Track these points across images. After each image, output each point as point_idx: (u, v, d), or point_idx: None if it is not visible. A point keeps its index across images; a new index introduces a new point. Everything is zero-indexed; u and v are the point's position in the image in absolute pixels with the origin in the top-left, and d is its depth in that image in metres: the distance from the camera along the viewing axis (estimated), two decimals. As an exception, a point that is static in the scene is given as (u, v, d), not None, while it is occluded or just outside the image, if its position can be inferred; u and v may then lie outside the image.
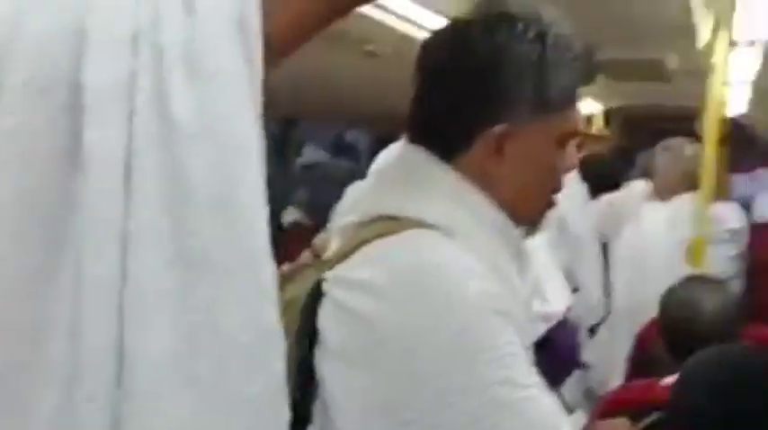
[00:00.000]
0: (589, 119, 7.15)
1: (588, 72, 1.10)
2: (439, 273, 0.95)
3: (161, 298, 0.63)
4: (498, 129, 1.03)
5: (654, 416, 1.78)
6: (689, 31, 3.15)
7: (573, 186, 2.84)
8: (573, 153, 1.13)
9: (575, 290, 2.30)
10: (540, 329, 1.87)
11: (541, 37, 1.03)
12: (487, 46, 1.03)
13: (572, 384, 2.90)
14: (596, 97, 6.60)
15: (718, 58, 3.15)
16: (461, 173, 1.04)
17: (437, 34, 1.10)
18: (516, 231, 1.09)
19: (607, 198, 4.08)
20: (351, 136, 7.28)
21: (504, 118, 1.03)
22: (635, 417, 1.79)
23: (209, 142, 0.64)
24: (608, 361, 3.38)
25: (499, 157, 1.04)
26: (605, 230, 3.55)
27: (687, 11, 2.77)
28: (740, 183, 9.60)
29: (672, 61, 4.37)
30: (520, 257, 1.09)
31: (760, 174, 10.37)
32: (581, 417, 1.77)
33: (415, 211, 1.01)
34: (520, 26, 1.03)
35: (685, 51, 3.75)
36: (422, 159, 1.06)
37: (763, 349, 1.77)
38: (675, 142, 3.82)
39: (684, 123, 4.17)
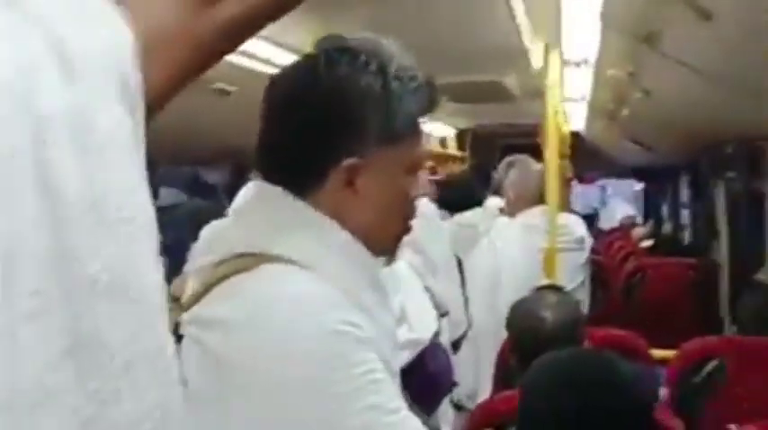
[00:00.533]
0: (443, 141, 7.36)
1: (431, 99, 1.12)
2: (297, 305, 0.96)
3: (53, 394, 0.57)
4: (348, 162, 1.04)
5: (514, 426, 1.86)
6: (524, 52, 3.31)
7: (424, 208, 2.92)
8: (424, 179, 1.16)
9: (445, 313, 2.35)
10: (406, 356, 1.89)
11: (384, 68, 1.05)
12: (331, 80, 1.04)
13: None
14: (447, 120, 6.80)
15: (551, 77, 3.32)
16: (316, 207, 1.05)
17: (282, 71, 1.11)
18: (374, 261, 1.10)
19: (457, 218, 4.21)
20: (208, 175, 7.17)
21: (352, 151, 1.04)
22: (501, 429, 1.86)
23: (101, 219, 0.58)
24: (474, 375, 3.47)
25: (351, 190, 1.05)
26: (458, 249, 3.65)
27: (519, 34, 2.90)
28: (586, 193, 10.10)
29: (511, 82, 4.55)
30: (380, 287, 1.10)
31: (603, 185, 10.96)
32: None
33: (273, 247, 1.01)
34: (362, 58, 1.05)
35: (523, 72, 3.92)
36: (276, 196, 1.06)
37: (595, 351, 1.88)
38: (519, 158, 4.00)
39: (531, 139, 4.35)
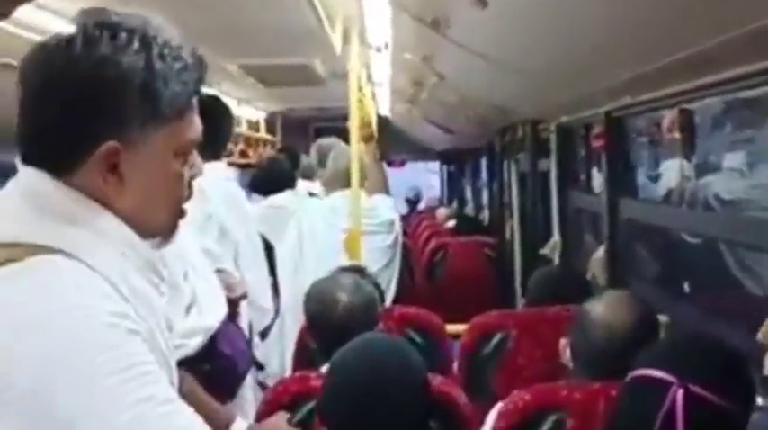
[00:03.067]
0: (253, 125, 7.29)
1: (199, 79, 1.09)
2: (64, 300, 0.93)
3: None
4: (107, 146, 1.01)
5: (309, 406, 1.92)
6: (326, 36, 3.33)
7: (228, 191, 2.88)
8: (197, 161, 1.15)
9: (242, 297, 2.33)
10: (196, 342, 1.88)
11: (147, 47, 1.01)
12: (89, 61, 0.99)
13: (249, 382, 2.98)
14: (257, 104, 6.74)
15: (352, 62, 3.37)
16: (80, 191, 1.02)
17: (37, 50, 1.05)
18: (147, 245, 1.08)
19: (267, 201, 4.20)
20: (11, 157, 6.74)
21: (113, 134, 1.01)
22: (294, 409, 1.91)
23: None
24: (280, 357, 3.49)
25: (115, 174, 1.02)
26: (268, 233, 3.64)
27: (320, 18, 2.92)
28: (398, 176, 10.32)
29: (319, 66, 4.57)
30: (156, 271, 1.09)
31: (413, 167, 11.24)
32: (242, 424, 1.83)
33: (35, 236, 0.97)
34: (123, 37, 1.01)
35: (328, 56, 3.95)
36: (35, 180, 1.02)
37: (387, 338, 1.98)
38: (326, 142, 4.04)
39: (342, 123, 4.40)
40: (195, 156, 1.13)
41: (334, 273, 2.46)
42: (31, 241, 0.97)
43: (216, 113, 2.84)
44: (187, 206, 1.15)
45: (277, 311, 3.45)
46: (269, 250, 3.55)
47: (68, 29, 1.05)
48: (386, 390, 1.68)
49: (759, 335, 1.48)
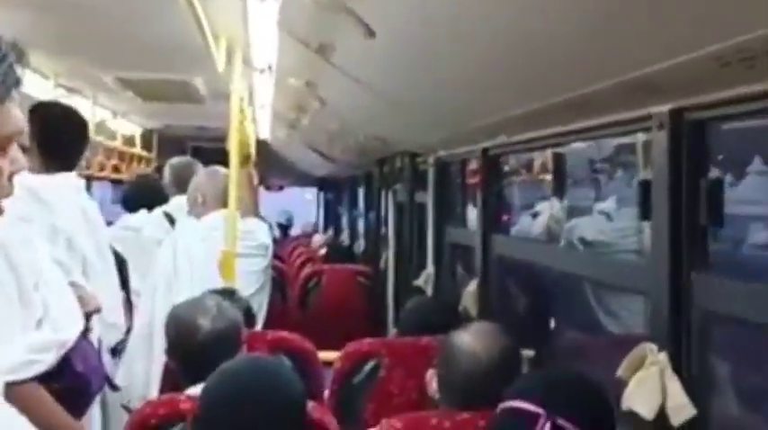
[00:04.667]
0: (129, 140, 7.09)
1: (17, 74, 1.03)
2: None
3: None
4: None
5: (178, 427, 1.88)
6: (210, 54, 3.29)
7: (77, 203, 2.79)
8: (18, 156, 1.09)
9: (95, 311, 2.25)
10: (50, 358, 1.81)
11: None
12: None
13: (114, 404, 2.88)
14: (134, 118, 6.57)
15: (235, 82, 3.34)
16: None
17: None
18: None
19: (121, 221, 4.12)
20: None
21: None
22: (162, 430, 1.86)
23: None
24: (146, 378, 3.38)
25: None
26: (124, 251, 3.54)
27: (204, 35, 2.88)
28: (273, 200, 10.26)
29: (200, 84, 4.50)
30: None
31: (290, 193, 11.21)
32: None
33: None
34: None
35: (210, 75, 3.90)
36: None
37: (264, 360, 1.97)
38: (180, 161, 4.00)
39: (219, 143, 4.35)
40: (16, 151, 1.08)
41: (199, 297, 2.42)
42: None
43: (66, 122, 2.74)
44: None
45: (129, 329, 3.34)
46: (121, 264, 3.45)
47: None
48: (266, 415, 1.66)
49: (619, 372, 1.54)
